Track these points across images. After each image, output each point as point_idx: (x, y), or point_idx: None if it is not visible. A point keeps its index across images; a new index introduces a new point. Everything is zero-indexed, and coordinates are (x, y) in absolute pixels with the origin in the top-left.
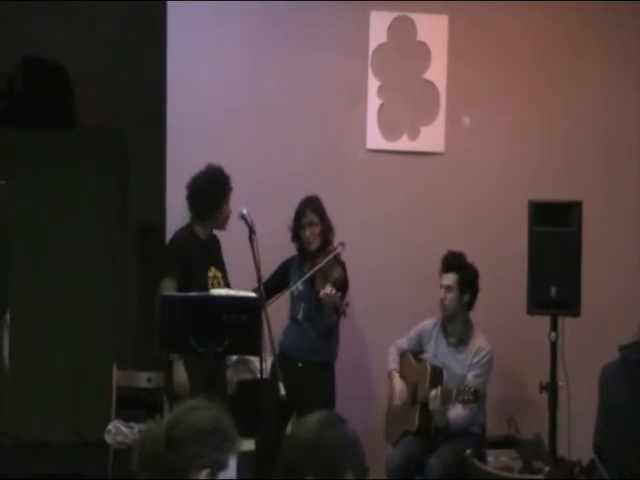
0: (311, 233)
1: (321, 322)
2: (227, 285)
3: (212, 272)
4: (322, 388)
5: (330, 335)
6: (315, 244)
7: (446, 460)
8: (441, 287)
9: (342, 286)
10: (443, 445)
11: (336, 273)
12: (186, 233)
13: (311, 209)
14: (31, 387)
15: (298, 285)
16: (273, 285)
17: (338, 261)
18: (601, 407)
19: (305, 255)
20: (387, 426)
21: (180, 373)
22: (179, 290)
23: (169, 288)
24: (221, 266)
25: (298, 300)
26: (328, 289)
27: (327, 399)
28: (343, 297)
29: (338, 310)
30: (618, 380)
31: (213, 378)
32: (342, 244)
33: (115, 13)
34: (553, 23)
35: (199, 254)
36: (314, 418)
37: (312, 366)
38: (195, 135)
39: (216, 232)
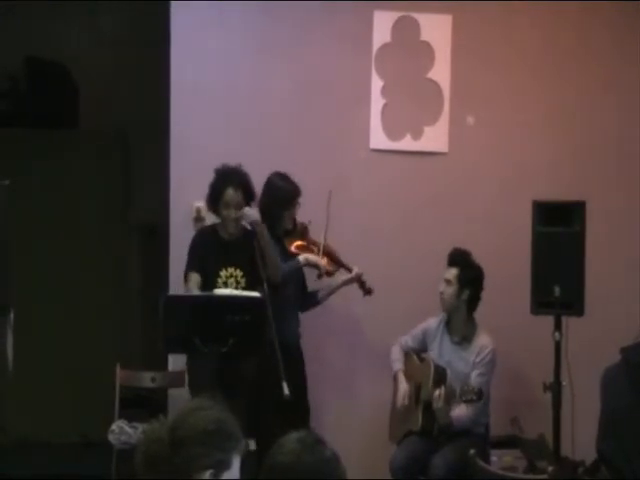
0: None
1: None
2: (249, 284)
3: (228, 271)
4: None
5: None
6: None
7: (450, 460)
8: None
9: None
10: (447, 445)
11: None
12: (207, 231)
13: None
14: (34, 387)
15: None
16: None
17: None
18: (603, 409)
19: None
20: (391, 426)
21: None
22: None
23: (192, 281)
24: (243, 265)
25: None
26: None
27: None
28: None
29: (365, 288)
30: (619, 382)
31: (218, 377)
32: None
33: (118, 13)
34: (558, 23)
35: (215, 253)
36: (292, 440)
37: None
38: (198, 135)
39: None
